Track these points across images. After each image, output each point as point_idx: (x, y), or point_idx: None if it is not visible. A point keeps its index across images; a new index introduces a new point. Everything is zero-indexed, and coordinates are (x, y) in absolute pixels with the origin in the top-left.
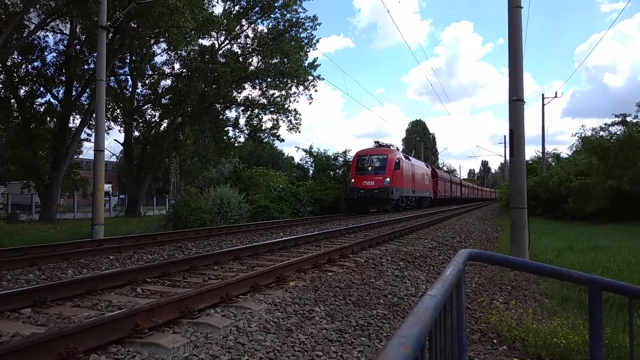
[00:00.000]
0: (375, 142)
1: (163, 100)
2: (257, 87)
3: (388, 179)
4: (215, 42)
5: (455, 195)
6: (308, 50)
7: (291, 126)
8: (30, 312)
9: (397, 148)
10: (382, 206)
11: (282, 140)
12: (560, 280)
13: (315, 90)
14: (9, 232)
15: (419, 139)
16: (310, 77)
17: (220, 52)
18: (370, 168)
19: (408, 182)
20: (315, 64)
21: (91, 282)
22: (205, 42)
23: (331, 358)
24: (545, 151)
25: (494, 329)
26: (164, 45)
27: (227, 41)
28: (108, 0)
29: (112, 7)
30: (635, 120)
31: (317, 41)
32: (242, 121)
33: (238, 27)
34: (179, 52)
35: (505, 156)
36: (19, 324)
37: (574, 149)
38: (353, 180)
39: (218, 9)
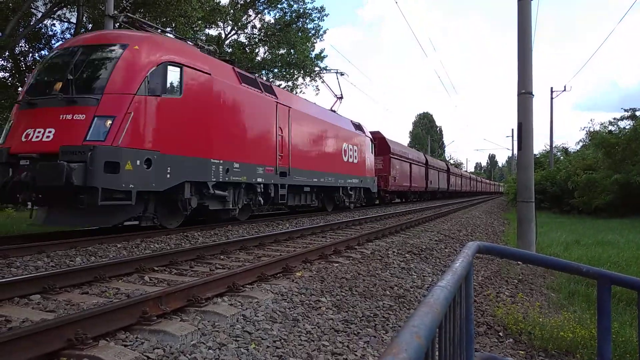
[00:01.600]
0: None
1: None
2: (264, 77)
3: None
4: (222, 32)
5: (442, 188)
6: (315, 41)
7: None
8: (40, 299)
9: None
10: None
11: None
12: (567, 274)
13: (322, 81)
14: (17, 220)
15: (426, 131)
16: (317, 69)
17: (227, 42)
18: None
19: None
20: (322, 55)
21: (99, 269)
22: (212, 31)
23: (337, 348)
24: (554, 145)
25: (500, 322)
26: (170, 35)
27: (233, 31)
28: None
29: None
30: None
31: (324, 32)
32: None
33: (245, 17)
34: (185, 41)
35: (513, 150)
36: (29, 309)
37: (582, 143)
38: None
39: None
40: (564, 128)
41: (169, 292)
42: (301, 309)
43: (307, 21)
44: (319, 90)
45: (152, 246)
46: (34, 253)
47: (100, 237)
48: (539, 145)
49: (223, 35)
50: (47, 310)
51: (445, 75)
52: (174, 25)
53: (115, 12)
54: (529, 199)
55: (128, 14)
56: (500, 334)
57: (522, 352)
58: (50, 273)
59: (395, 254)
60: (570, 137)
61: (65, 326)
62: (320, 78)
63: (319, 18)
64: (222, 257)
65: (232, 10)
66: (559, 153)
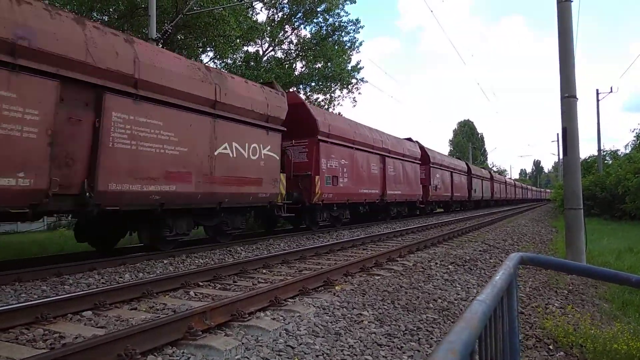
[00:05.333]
0: None
1: None
2: (302, 91)
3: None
4: (260, 48)
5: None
6: (351, 53)
7: None
8: (91, 315)
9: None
10: None
11: None
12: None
13: (359, 93)
14: (70, 237)
15: (467, 139)
16: (354, 80)
17: (265, 58)
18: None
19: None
20: (359, 66)
21: (147, 285)
22: (250, 49)
23: None
24: (604, 149)
25: (549, 334)
26: (211, 54)
27: (270, 47)
28: (157, 13)
29: (161, 20)
30: None
31: (360, 44)
32: None
33: (282, 33)
34: (224, 60)
35: (558, 155)
36: (81, 325)
37: (632, 145)
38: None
39: (262, 17)
40: (615, 130)
41: (214, 307)
42: (343, 322)
43: (343, 34)
44: (356, 102)
45: (196, 261)
46: (85, 270)
47: (149, 253)
48: (587, 149)
49: (261, 52)
50: (98, 326)
51: (485, 81)
52: (214, 44)
53: (158, 35)
54: (577, 205)
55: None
56: (550, 347)
57: None
58: (101, 290)
59: (438, 265)
60: (622, 140)
61: (115, 342)
62: (357, 90)
63: (354, 31)
64: (264, 271)
65: (269, 28)
66: (608, 157)
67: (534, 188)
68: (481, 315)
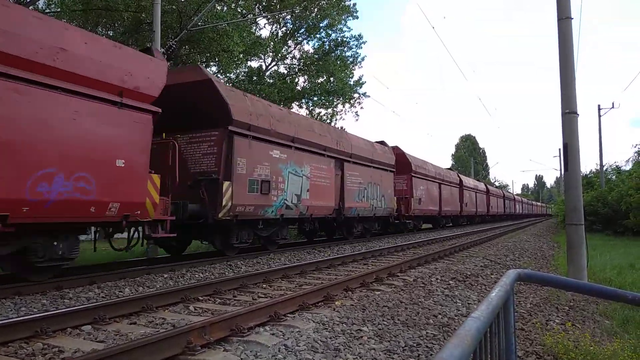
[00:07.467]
0: None
1: None
2: (304, 106)
3: None
4: (263, 63)
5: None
6: (353, 68)
7: None
8: (90, 329)
9: None
10: None
11: None
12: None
13: (361, 108)
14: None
15: (469, 154)
16: (356, 95)
17: (268, 73)
18: None
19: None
20: (361, 81)
21: (146, 299)
22: (253, 63)
23: None
24: (607, 164)
25: (550, 351)
26: (214, 69)
27: (273, 62)
28: (162, 29)
29: (166, 35)
30: None
31: (363, 59)
32: None
33: (284, 48)
34: (227, 74)
35: (560, 170)
36: (80, 340)
37: (633, 161)
38: None
39: (265, 32)
40: (621, 146)
41: (213, 321)
42: (342, 338)
43: (345, 49)
44: (358, 116)
45: (197, 275)
46: (85, 284)
47: (149, 267)
48: (592, 164)
49: (264, 67)
50: (97, 340)
51: (486, 96)
52: (217, 59)
53: (162, 49)
54: (578, 221)
55: None
56: None
57: None
58: (100, 304)
59: (438, 280)
60: (628, 156)
61: (114, 357)
62: (360, 104)
63: (356, 46)
64: (264, 285)
65: (272, 43)
66: (611, 173)
67: (536, 203)
68: (475, 333)
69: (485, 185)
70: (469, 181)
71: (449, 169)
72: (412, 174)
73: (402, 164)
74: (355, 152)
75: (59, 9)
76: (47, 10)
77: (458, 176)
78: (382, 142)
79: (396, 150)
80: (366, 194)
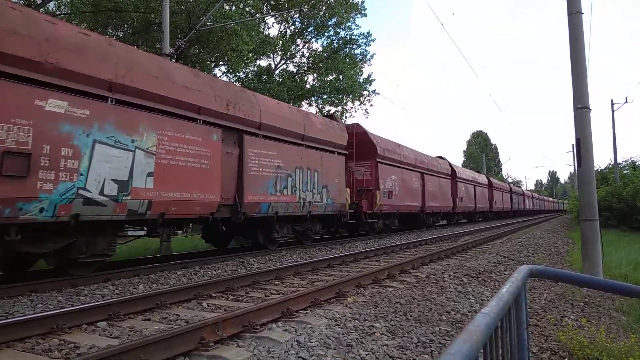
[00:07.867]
0: None
1: None
2: (314, 104)
3: None
4: (272, 62)
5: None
6: (362, 66)
7: None
8: (106, 325)
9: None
10: None
11: None
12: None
13: (371, 105)
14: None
15: (481, 150)
16: (366, 92)
17: (277, 71)
18: None
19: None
20: (370, 79)
21: (160, 296)
22: (262, 62)
23: None
24: (623, 159)
25: (564, 347)
26: (223, 68)
27: (282, 61)
28: (171, 29)
29: (175, 35)
30: None
31: (372, 57)
32: None
33: (293, 47)
34: (237, 73)
35: (574, 165)
36: (96, 336)
37: None
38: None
39: (273, 31)
40: (635, 141)
41: (226, 318)
42: (355, 334)
43: (354, 47)
44: (368, 113)
45: (209, 272)
46: (100, 281)
47: (162, 264)
48: (606, 160)
49: (273, 66)
50: (112, 336)
51: (496, 93)
52: (226, 58)
53: (171, 50)
54: (592, 217)
55: None
56: None
57: None
58: (115, 301)
59: (451, 277)
60: None
61: (129, 352)
62: (369, 102)
63: (365, 43)
64: (276, 282)
65: (280, 42)
66: (626, 168)
67: (548, 198)
68: (484, 328)
69: (487, 178)
70: (465, 172)
71: (439, 157)
72: (379, 160)
73: (364, 147)
74: (268, 121)
75: (69, 11)
76: (58, 12)
77: (450, 165)
78: (330, 116)
79: (356, 129)
80: (291, 184)
